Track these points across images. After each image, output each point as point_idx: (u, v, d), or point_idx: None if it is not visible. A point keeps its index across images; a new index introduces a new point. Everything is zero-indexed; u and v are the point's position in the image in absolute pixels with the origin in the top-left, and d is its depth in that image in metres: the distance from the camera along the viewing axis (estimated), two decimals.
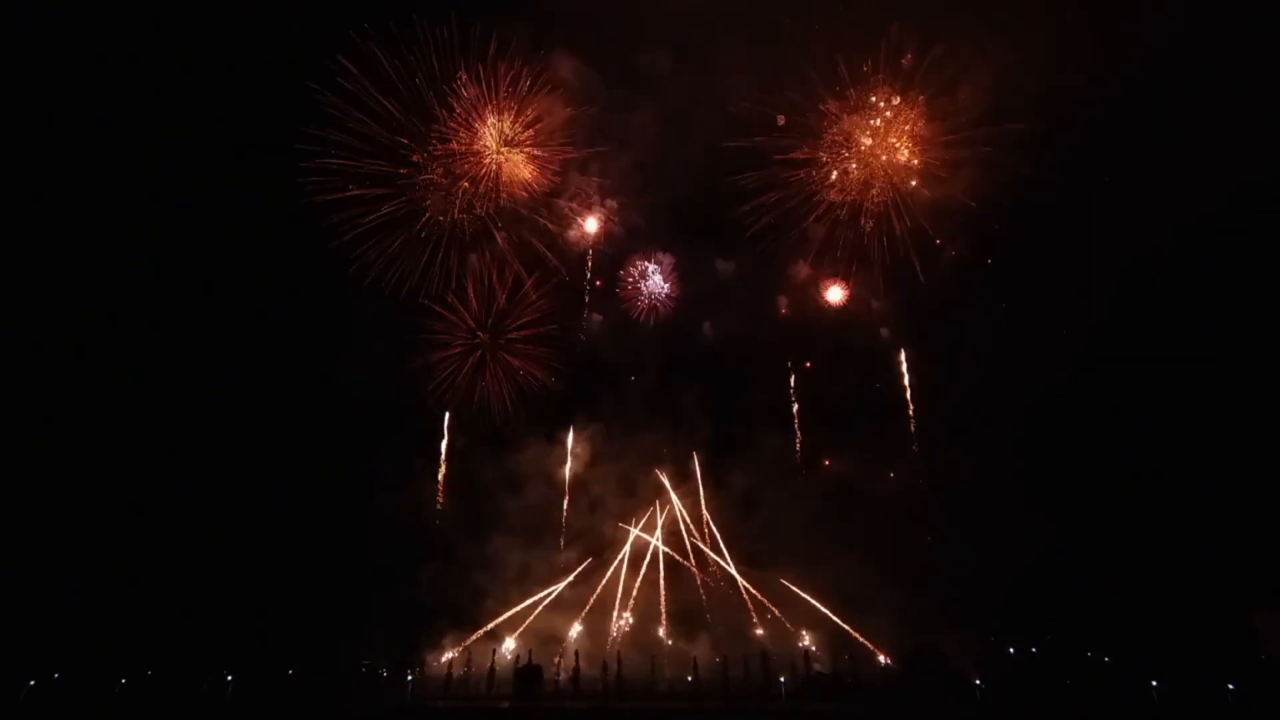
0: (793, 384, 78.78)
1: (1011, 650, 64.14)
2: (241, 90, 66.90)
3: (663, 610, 71.15)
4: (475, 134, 67.56)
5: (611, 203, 74.79)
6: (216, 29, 64.95)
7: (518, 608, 70.77)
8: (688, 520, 76.76)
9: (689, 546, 75.47)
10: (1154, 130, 61.15)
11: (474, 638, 69.24)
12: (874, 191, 67.64)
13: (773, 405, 77.58)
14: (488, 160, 68.93)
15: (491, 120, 67.07)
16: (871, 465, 71.75)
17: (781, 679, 60.02)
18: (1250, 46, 56.48)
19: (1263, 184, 58.94)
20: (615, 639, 68.78)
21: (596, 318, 79.75)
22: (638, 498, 78.31)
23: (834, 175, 67.89)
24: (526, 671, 62.33)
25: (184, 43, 65.54)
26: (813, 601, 67.24)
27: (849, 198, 68.40)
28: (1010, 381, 68.29)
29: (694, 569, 74.00)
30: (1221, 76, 58.07)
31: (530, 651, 65.65)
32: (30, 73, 64.77)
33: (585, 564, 74.21)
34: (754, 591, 71.01)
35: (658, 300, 77.63)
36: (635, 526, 76.21)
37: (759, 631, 68.54)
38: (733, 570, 72.74)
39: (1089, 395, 68.66)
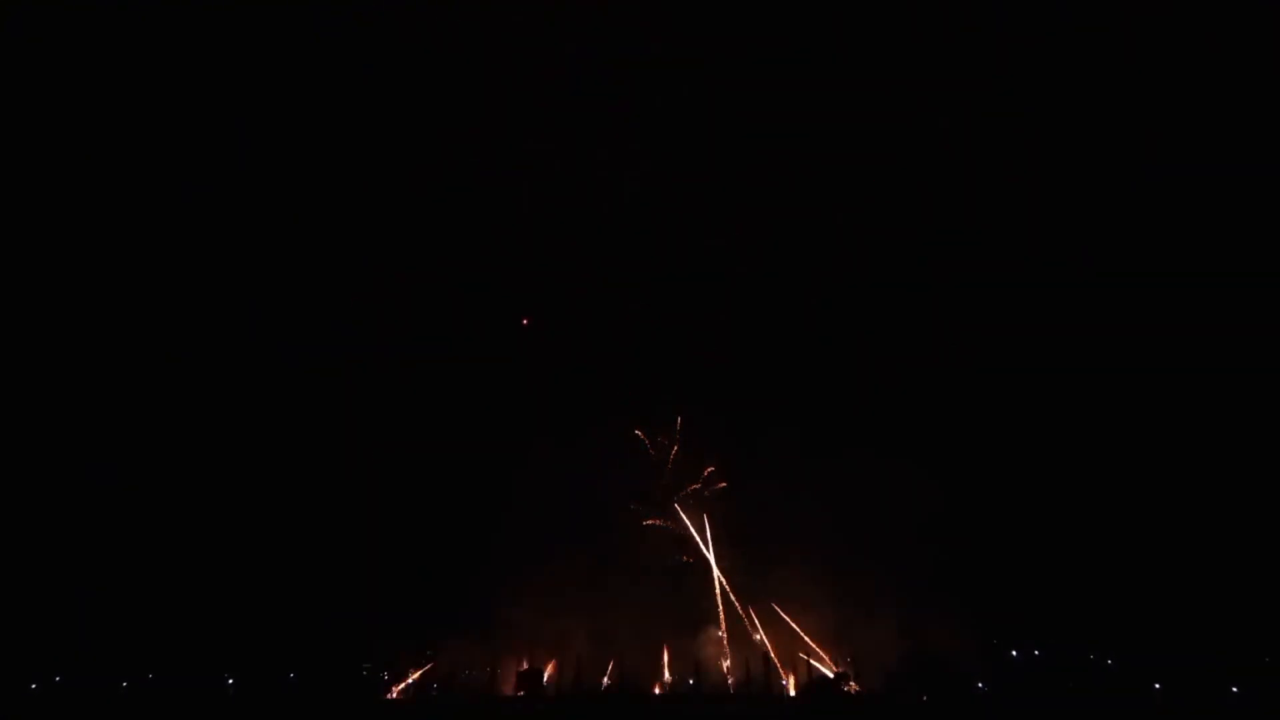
0: None
1: (1014, 652, 64.04)
2: None
3: (664, 612, 71.05)
4: None
5: None
6: None
7: (520, 610, 70.66)
8: (693, 522, 76.72)
9: (694, 549, 75.47)
10: None
11: (475, 640, 69.25)
12: None
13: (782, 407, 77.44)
14: None
15: None
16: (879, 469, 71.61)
17: (784, 681, 59.98)
18: None
19: None
20: (618, 641, 68.67)
21: None
22: (646, 499, 78.24)
23: None
24: (528, 674, 62.20)
25: None
26: (815, 603, 67.17)
27: None
28: (1011, 384, 68.46)
29: (697, 571, 73.93)
30: None
31: (531, 653, 65.56)
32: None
33: (589, 567, 74.04)
34: (757, 594, 70.93)
35: None
36: (640, 529, 76.13)
37: (761, 634, 68.51)
38: (736, 572, 72.68)
39: (1090, 398, 68.73)
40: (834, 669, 62.55)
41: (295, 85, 71.63)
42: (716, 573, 73.04)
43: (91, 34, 65.06)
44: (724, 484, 77.48)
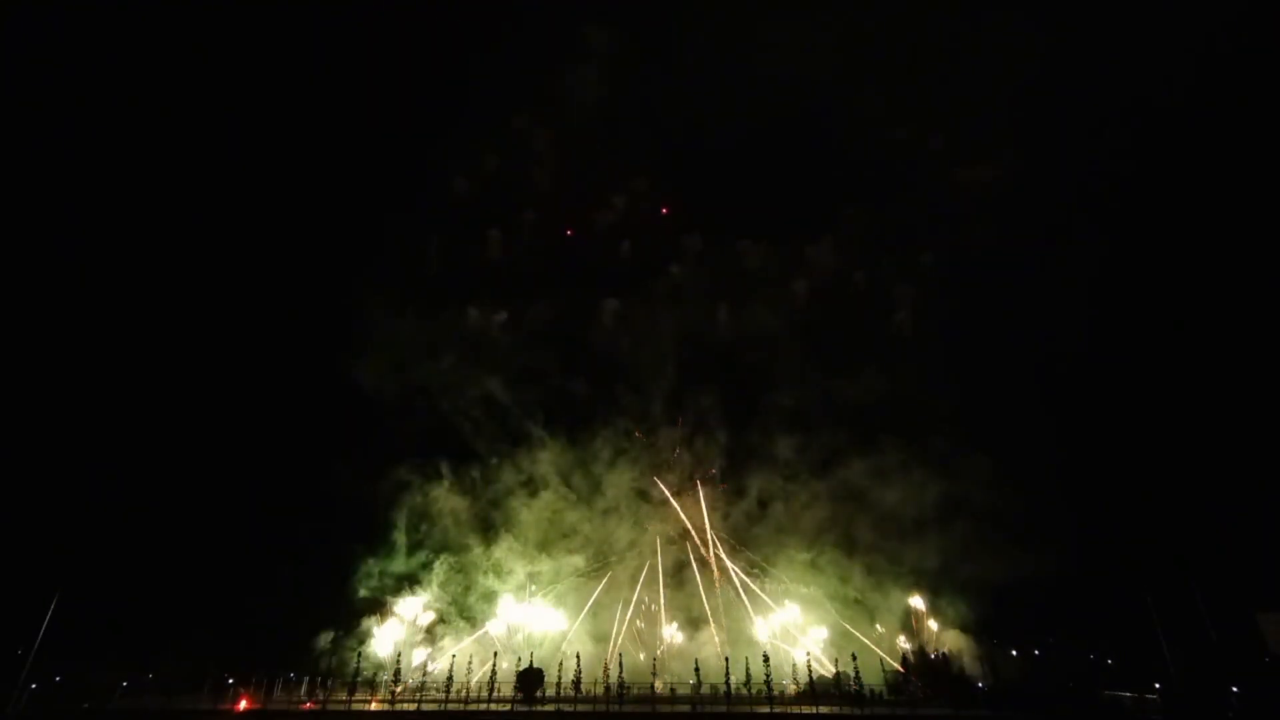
0: None
1: (1014, 652, 64.04)
2: None
3: (665, 613, 71.02)
4: None
5: None
6: None
7: (521, 611, 70.61)
8: (693, 523, 76.69)
9: (694, 549, 75.40)
10: None
11: (475, 639, 69.31)
12: None
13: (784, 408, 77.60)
14: None
15: None
16: (881, 470, 71.57)
17: (785, 681, 59.84)
18: None
19: None
20: (618, 641, 68.69)
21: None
22: (647, 499, 78.34)
23: None
24: (528, 674, 62.02)
25: None
26: (816, 602, 67.09)
27: None
28: (1015, 386, 68.42)
29: (698, 571, 73.87)
30: None
31: (532, 654, 65.49)
32: None
33: (589, 566, 74.11)
34: (757, 594, 70.87)
35: None
36: (642, 530, 76.08)
37: (762, 634, 68.37)
38: (737, 572, 72.60)
39: (1090, 400, 68.65)
40: (834, 669, 62.49)
41: (294, 84, 71.72)
42: (716, 572, 73.14)
43: (91, 33, 65.13)
44: (725, 485, 77.64)
